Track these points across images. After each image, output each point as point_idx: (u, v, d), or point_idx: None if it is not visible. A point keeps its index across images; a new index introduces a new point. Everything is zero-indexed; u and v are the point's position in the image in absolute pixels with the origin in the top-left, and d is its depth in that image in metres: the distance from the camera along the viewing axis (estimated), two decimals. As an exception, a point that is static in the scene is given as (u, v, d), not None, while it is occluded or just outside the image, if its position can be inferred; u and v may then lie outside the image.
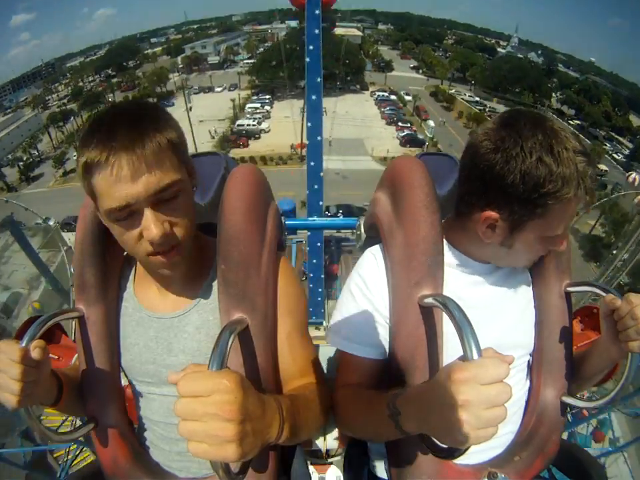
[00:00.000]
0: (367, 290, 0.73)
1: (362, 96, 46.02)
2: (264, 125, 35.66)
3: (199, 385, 0.43)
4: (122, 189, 0.54)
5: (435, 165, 0.88)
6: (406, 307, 0.66)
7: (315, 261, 10.03)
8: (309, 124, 8.38)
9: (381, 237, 0.75)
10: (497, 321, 0.74)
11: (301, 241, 15.15)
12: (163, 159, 0.56)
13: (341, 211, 18.90)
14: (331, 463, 1.78)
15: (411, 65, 55.32)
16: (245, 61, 50.66)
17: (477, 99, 42.67)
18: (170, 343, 0.71)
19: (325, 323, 10.83)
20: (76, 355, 0.81)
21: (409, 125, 35.95)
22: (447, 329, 0.65)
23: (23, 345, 0.58)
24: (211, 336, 0.69)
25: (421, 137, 32.30)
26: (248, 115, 37.51)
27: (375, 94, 45.11)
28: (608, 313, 0.65)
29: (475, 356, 0.45)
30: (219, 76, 47.79)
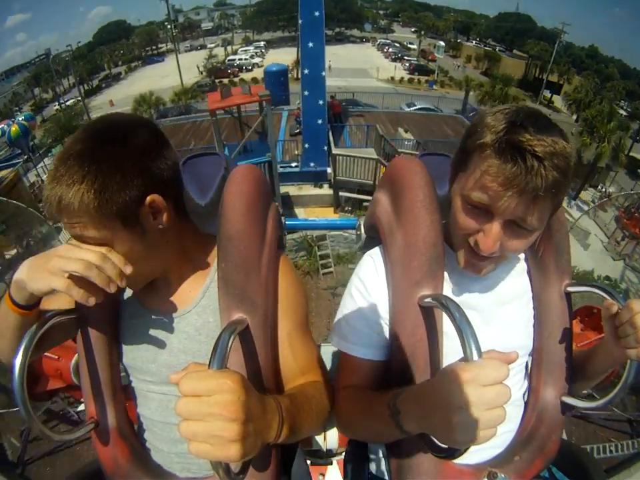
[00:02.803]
0: (366, 293, 0.73)
1: (362, 45, 42.97)
2: (257, 60, 32.42)
3: (202, 385, 0.42)
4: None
5: (434, 165, 0.88)
6: (406, 307, 0.66)
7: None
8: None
9: (381, 237, 0.75)
10: (496, 321, 0.74)
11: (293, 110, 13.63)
12: (75, 218, 0.56)
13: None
14: (331, 463, 1.78)
15: (412, 30, 50.58)
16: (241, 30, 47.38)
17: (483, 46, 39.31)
18: (170, 343, 0.71)
19: (329, 170, 9.38)
20: (76, 355, 0.81)
21: (415, 59, 33.40)
22: (447, 329, 0.65)
23: (23, 346, 0.58)
24: (211, 338, 0.69)
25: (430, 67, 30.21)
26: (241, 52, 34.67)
27: (377, 40, 41.90)
28: (609, 316, 0.65)
29: (475, 356, 0.45)
30: (212, 40, 45.53)
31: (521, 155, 0.53)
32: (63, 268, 0.54)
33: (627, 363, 0.65)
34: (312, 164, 9.51)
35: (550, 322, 0.77)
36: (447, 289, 0.68)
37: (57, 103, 28.41)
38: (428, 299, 0.63)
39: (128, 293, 0.76)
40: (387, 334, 0.72)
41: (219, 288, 0.66)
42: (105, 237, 0.58)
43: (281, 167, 10.40)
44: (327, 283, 7.36)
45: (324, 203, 9.20)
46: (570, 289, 0.77)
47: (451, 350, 0.63)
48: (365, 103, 18.52)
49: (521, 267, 0.80)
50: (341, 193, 8.76)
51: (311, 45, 8.95)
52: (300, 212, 9.43)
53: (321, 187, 9.40)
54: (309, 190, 9.40)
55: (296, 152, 11.20)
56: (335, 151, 8.81)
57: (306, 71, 9.29)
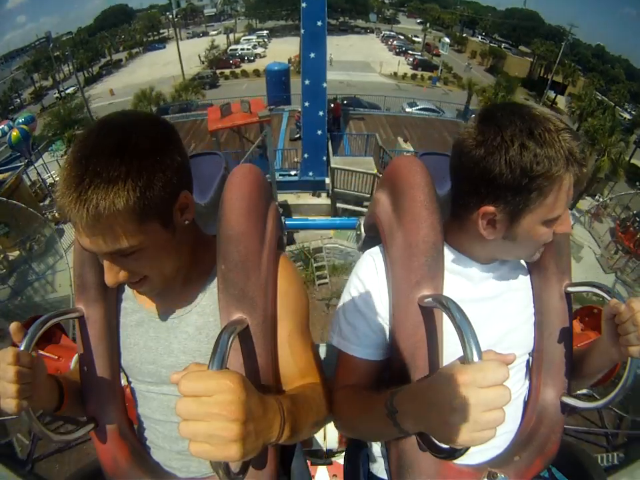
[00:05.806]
0: (365, 292, 0.73)
1: (367, 36, 42.94)
2: (259, 50, 32.46)
3: (201, 385, 0.42)
4: (79, 237, 0.54)
5: (434, 164, 0.88)
6: (406, 307, 0.66)
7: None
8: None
9: (381, 237, 0.75)
10: (496, 320, 0.74)
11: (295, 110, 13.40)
12: (111, 225, 0.51)
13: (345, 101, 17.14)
14: (331, 463, 1.78)
15: (418, 21, 49.44)
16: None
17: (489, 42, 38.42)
18: (170, 344, 0.71)
19: (327, 180, 9.48)
20: (76, 355, 0.81)
21: (419, 53, 32.93)
22: (447, 328, 0.65)
23: (23, 346, 0.58)
24: (211, 337, 0.69)
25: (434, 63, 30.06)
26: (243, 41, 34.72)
27: (381, 32, 41.80)
28: (610, 315, 0.65)
29: (475, 357, 0.45)
30: (215, 27, 44.99)
31: (579, 163, 0.60)
32: None
33: (628, 363, 0.65)
34: (310, 173, 9.49)
35: (550, 322, 0.77)
36: (447, 288, 0.68)
37: (56, 91, 28.07)
38: (428, 299, 0.63)
39: (127, 293, 0.76)
40: (386, 334, 0.72)
41: (218, 288, 0.66)
42: (140, 243, 0.54)
43: (280, 174, 10.45)
44: (322, 294, 7.65)
45: (321, 212, 9.20)
46: (570, 289, 0.77)
47: (451, 350, 0.63)
48: (367, 102, 18.57)
49: (522, 265, 0.81)
50: (338, 204, 8.73)
51: (312, 55, 8.91)
52: (298, 221, 9.56)
53: (319, 195, 9.38)
54: (307, 199, 9.36)
55: (295, 159, 11.05)
56: (333, 164, 8.69)
57: (307, 82, 9.24)
